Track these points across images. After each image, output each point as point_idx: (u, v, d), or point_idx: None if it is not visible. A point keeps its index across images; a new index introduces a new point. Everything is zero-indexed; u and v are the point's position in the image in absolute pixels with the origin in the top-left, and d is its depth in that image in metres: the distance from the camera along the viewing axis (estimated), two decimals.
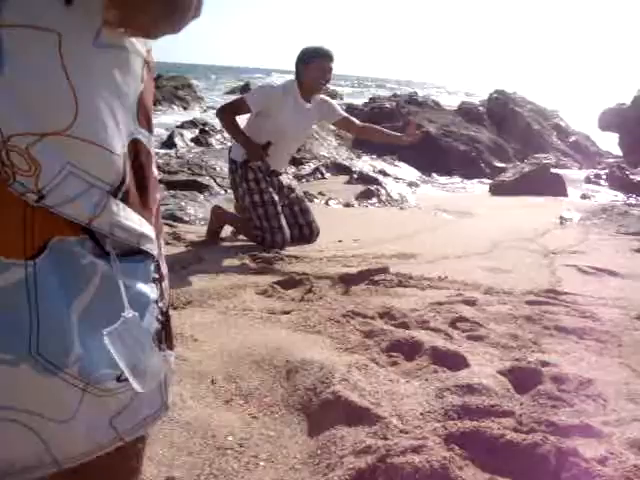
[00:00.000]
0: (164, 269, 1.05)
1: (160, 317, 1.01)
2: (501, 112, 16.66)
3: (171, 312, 2.81)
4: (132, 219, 0.92)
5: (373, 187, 7.80)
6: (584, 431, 2.02)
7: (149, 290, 0.97)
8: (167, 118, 16.99)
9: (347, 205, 7.19)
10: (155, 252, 0.98)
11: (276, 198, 4.75)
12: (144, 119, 0.97)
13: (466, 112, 16.23)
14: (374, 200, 7.52)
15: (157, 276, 1.00)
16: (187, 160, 9.55)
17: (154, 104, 1.12)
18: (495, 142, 13.94)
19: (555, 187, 9.67)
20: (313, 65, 4.70)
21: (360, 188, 7.92)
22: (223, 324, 2.91)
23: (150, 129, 0.99)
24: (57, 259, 0.86)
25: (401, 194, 7.95)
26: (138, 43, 0.94)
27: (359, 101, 23.62)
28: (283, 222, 4.72)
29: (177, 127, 12.71)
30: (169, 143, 11.62)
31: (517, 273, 4.31)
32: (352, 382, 2.19)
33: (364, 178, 8.50)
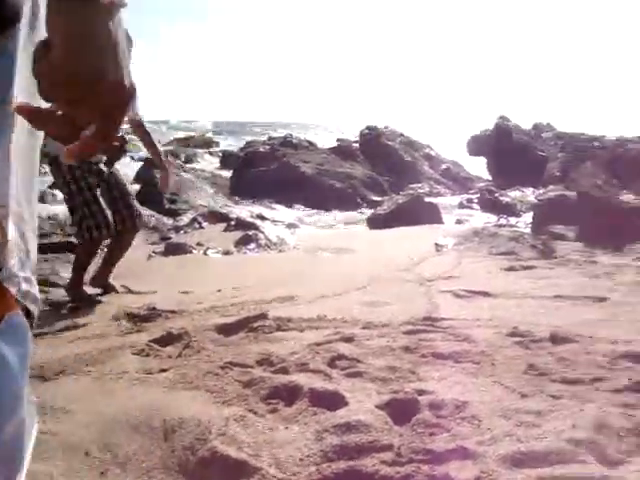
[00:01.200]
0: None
1: None
2: (373, 147, 17.13)
3: (43, 384, 2.69)
4: None
5: (251, 232, 7.80)
6: (460, 454, 2.07)
7: None
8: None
9: (226, 253, 7.15)
10: None
11: (97, 192, 4.74)
12: None
13: (340, 150, 16.60)
14: (253, 245, 7.51)
15: None
16: (59, 221, 9.26)
17: None
18: (369, 177, 14.28)
19: (430, 215, 9.98)
20: None
21: (239, 235, 7.90)
22: (98, 391, 2.81)
23: None
24: None
25: (280, 237, 7.98)
26: None
27: (235, 146, 23.80)
28: (108, 214, 4.75)
29: (48, 187, 12.29)
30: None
31: (395, 304, 4.39)
32: (230, 435, 2.16)
33: (242, 224, 8.49)
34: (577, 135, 22.25)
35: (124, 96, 0.82)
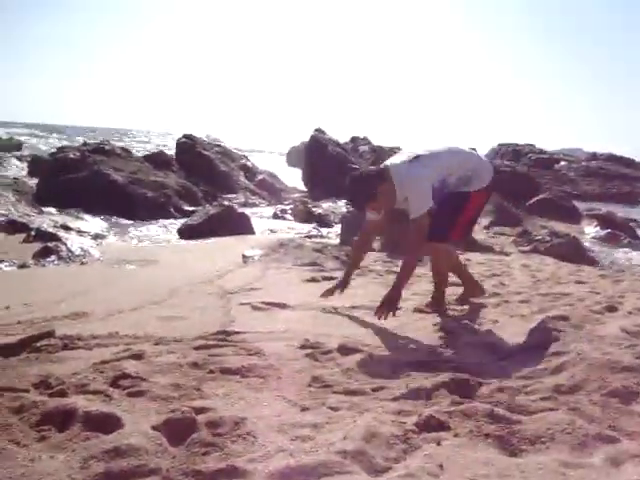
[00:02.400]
0: None
1: None
2: (189, 156, 16.97)
3: None
4: None
5: (52, 244, 7.42)
6: (230, 473, 2.05)
7: None
8: None
9: (22, 266, 6.75)
10: None
11: None
12: None
13: (155, 158, 16.29)
14: (53, 257, 7.15)
15: None
16: None
17: None
18: (183, 186, 14.11)
19: (242, 226, 10.03)
20: None
21: (38, 246, 7.51)
22: None
23: None
24: None
25: (84, 248, 7.66)
26: None
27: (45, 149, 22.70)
28: None
29: None
30: None
31: (192, 319, 4.34)
32: None
33: (43, 235, 8.07)
34: (392, 149, 23.27)
35: None
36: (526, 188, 15.89)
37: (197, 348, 3.54)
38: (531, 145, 30.88)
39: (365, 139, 30.43)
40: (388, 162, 4.54)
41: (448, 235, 4.60)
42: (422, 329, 4.27)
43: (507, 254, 8.75)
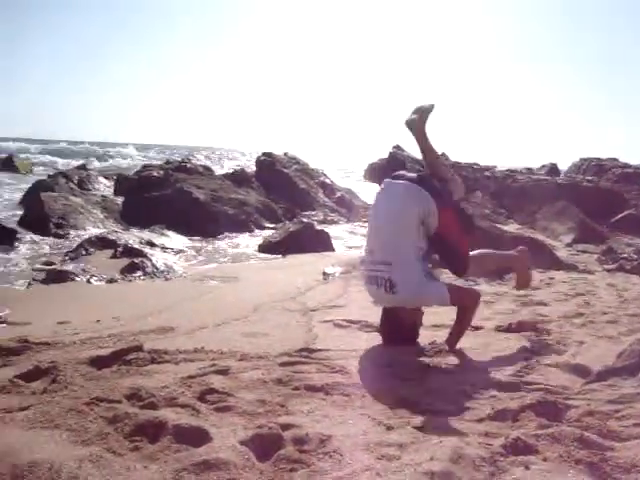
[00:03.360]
0: None
1: None
2: (268, 174, 17.19)
3: None
4: None
5: (138, 260, 7.64)
6: None
7: None
8: None
9: (110, 281, 6.98)
10: None
11: None
12: None
13: (235, 176, 16.56)
14: (139, 273, 7.37)
15: None
16: None
17: None
18: (263, 203, 14.29)
19: (321, 243, 10.08)
20: None
21: (125, 262, 7.74)
22: None
23: None
24: None
25: (167, 264, 7.85)
26: None
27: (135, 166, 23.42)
28: None
29: None
30: None
31: (275, 335, 4.40)
32: (82, 478, 2.09)
33: (129, 251, 8.31)
34: (470, 165, 23.07)
35: None
36: (610, 204, 15.44)
37: (281, 365, 3.58)
38: (614, 159, 30.00)
39: (443, 154, 30.19)
40: None
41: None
42: (506, 349, 4.20)
43: (591, 272, 8.52)
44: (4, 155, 28.35)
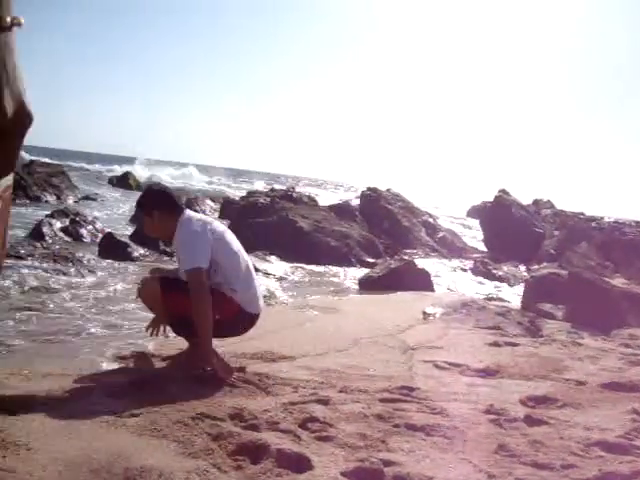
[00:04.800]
0: None
1: None
2: (372, 209, 17.25)
3: (8, 418, 2.66)
4: None
5: None
6: None
7: None
8: (35, 209, 16.52)
9: None
10: None
11: None
12: None
13: (339, 209, 16.70)
14: None
15: None
16: (53, 251, 9.27)
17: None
18: (365, 237, 14.32)
19: (422, 282, 9.99)
20: None
21: None
22: (64, 430, 2.78)
23: None
24: None
25: (270, 290, 7.98)
26: None
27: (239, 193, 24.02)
28: None
29: (47, 216, 12.28)
30: (37, 234, 11.18)
31: (374, 370, 4.39)
32: None
33: None
34: (576, 214, 22.47)
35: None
36: None
37: (382, 400, 3.57)
38: None
39: (548, 202, 29.51)
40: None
41: None
42: (613, 408, 4.04)
43: None
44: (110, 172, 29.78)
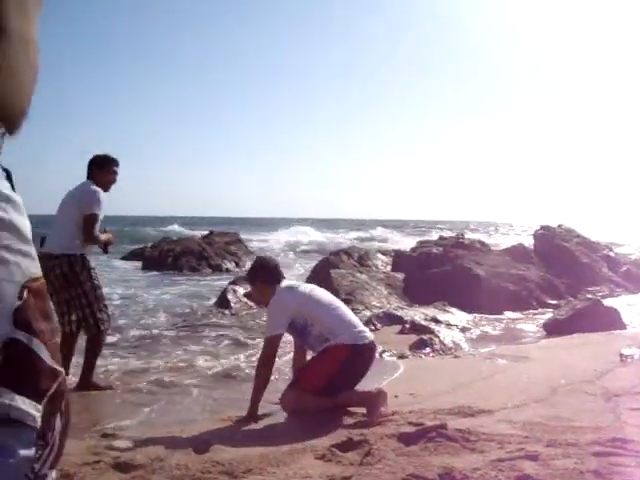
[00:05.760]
0: (51, 437, 1.08)
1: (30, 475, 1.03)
2: (548, 248, 16.70)
3: None
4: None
5: (426, 336, 7.79)
6: None
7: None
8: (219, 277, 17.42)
9: (401, 357, 7.17)
10: (31, 423, 1.02)
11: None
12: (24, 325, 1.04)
13: (513, 251, 16.33)
14: (428, 350, 7.50)
15: (40, 442, 1.05)
16: (240, 320, 9.79)
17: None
18: (544, 279, 13.87)
19: (611, 320, 9.51)
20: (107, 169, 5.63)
21: (413, 338, 7.93)
22: None
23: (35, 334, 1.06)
24: None
25: (455, 341, 7.91)
26: (16, 272, 1.03)
27: (405, 246, 24.07)
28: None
29: (230, 283, 12.95)
30: (222, 301, 11.80)
31: (580, 420, 4.21)
32: None
33: (416, 327, 8.50)
34: None
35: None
36: None
37: (594, 454, 3.41)
38: None
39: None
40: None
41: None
42: None
43: None
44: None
